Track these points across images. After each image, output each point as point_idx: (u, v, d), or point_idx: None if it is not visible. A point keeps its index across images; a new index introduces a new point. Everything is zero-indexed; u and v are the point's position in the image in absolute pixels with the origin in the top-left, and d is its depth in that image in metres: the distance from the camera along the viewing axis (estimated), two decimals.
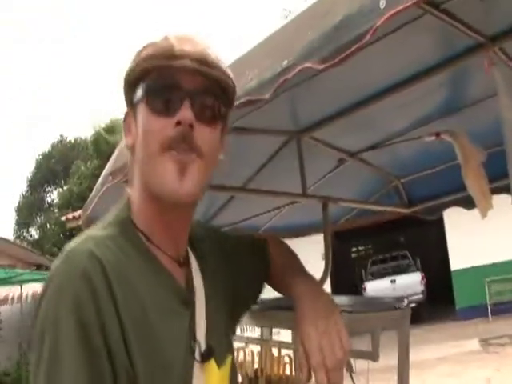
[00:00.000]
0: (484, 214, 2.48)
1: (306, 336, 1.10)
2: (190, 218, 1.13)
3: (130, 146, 1.07)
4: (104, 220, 1.07)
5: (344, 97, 1.97)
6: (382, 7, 0.91)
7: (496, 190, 2.56)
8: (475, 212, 2.60)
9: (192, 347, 1.02)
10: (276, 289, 1.34)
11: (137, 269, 0.99)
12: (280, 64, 1.09)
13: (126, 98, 1.08)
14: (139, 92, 1.04)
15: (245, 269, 1.30)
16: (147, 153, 1.01)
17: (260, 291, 1.37)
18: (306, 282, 1.24)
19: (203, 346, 1.05)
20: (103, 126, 28.50)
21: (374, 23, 0.93)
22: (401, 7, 0.90)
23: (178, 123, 0.98)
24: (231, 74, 1.06)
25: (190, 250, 1.16)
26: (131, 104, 1.07)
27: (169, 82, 1.00)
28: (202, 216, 2.67)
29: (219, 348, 1.10)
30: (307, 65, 1.03)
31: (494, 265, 14.03)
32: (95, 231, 1.02)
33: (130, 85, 1.06)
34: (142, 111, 1.03)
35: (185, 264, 1.11)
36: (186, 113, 0.98)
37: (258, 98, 1.12)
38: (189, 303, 1.06)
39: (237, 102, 1.17)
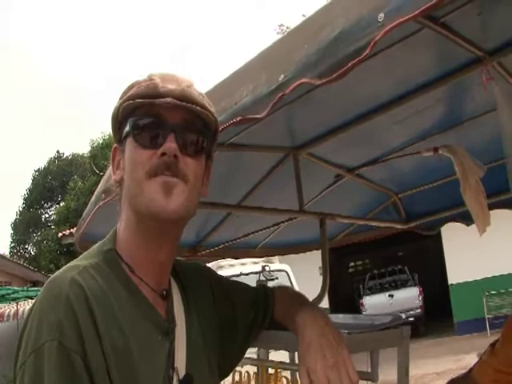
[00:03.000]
0: (482, 230, 2.46)
1: (312, 367, 1.08)
2: (175, 247, 1.15)
3: (118, 180, 1.11)
4: (90, 250, 1.10)
5: (341, 112, 1.95)
6: (380, 20, 0.88)
7: (494, 206, 2.54)
8: (472, 227, 2.57)
9: (170, 375, 1.04)
10: (280, 327, 1.31)
11: (119, 299, 1.00)
12: (276, 79, 1.06)
13: (113, 134, 1.13)
14: (126, 128, 1.08)
15: (236, 306, 1.29)
16: (134, 179, 1.05)
17: (251, 331, 1.34)
18: (312, 310, 1.23)
19: (182, 374, 1.06)
20: (101, 141, 28.59)
21: (372, 37, 0.90)
22: (400, 20, 0.87)
23: (163, 154, 1.04)
24: (214, 110, 1.12)
25: (173, 281, 1.18)
26: (119, 140, 1.11)
27: (154, 117, 1.06)
28: (197, 234, 2.63)
29: (201, 377, 1.11)
30: (304, 80, 1.00)
31: (492, 279, 14.00)
32: (80, 261, 1.04)
33: (117, 122, 1.10)
34: (129, 145, 1.08)
35: (167, 295, 1.12)
36: (170, 144, 1.03)
37: (253, 116, 1.09)
38: (168, 333, 1.08)
39: (231, 120, 1.15)
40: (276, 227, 2.79)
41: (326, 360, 1.07)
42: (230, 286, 1.34)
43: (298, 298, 1.33)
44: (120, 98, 1.09)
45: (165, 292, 1.11)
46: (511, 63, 1.71)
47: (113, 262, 1.05)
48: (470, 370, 1.89)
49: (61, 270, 1.00)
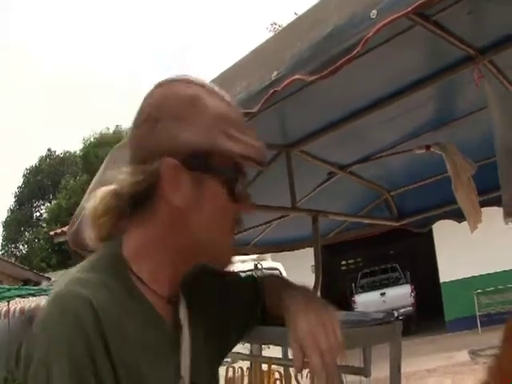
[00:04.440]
0: (473, 228, 2.47)
1: (298, 326, 1.08)
2: None
3: (178, 204, 0.99)
4: (92, 261, 1.04)
5: (333, 110, 1.96)
6: (373, 17, 0.89)
7: (486, 203, 2.56)
8: (464, 224, 2.59)
9: None
10: (273, 317, 1.31)
11: (126, 310, 0.97)
12: (269, 76, 1.07)
13: (190, 159, 0.99)
14: (221, 175, 1.00)
15: (230, 305, 1.28)
16: (214, 229, 1.03)
17: (245, 328, 1.34)
18: (300, 288, 1.24)
19: (187, 382, 1.04)
20: (93, 140, 28.51)
21: (365, 34, 0.91)
22: (392, 17, 0.88)
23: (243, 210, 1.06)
24: None
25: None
26: (194, 167, 0.99)
27: (244, 177, 1.06)
28: None
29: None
30: (297, 77, 1.01)
31: (483, 277, 14.06)
32: (83, 273, 0.99)
33: (207, 152, 0.99)
34: (215, 188, 1.01)
35: (175, 302, 1.10)
36: (250, 201, 1.08)
37: (247, 111, 1.10)
38: (176, 343, 1.06)
39: None
40: (268, 224, 2.80)
41: (310, 320, 1.08)
42: (226, 282, 1.33)
43: (284, 282, 1.34)
44: (238, 140, 1.00)
45: (174, 299, 1.09)
46: (503, 62, 1.72)
47: (119, 272, 1.01)
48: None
49: (65, 284, 0.95)
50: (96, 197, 1.05)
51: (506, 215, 1.95)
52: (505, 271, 13.68)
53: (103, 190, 1.05)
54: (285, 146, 2.15)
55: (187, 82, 1.02)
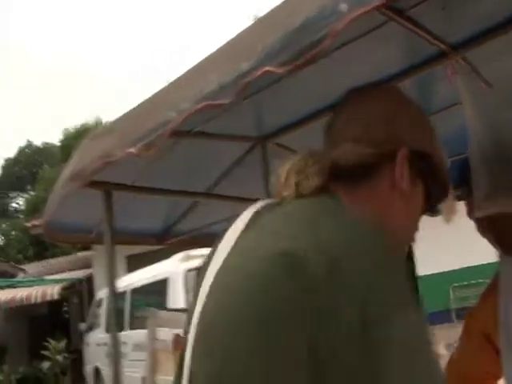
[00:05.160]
0: (448, 220, 2.49)
1: None
2: None
3: (405, 188, 1.05)
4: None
5: (310, 103, 1.96)
6: (342, 10, 0.89)
7: (460, 197, 2.58)
8: (439, 218, 2.60)
9: None
10: None
11: None
12: (240, 68, 1.06)
13: (416, 157, 1.07)
14: (429, 179, 1.11)
15: None
16: (411, 228, 1.12)
17: None
18: None
19: None
20: (73, 131, 28.18)
21: (334, 27, 0.91)
22: (362, 11, 0.88)
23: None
24: None
25: None
26: (413, 164, 1.06)
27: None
28: (163, 222, 2.63)
29: None
30: (267, 68, 1.01)
31: (459, 270, 14.22)
32: None
33: (430, 162, 1.10)
34: (421, 190, 1.10)
35: None
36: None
37: (217, 102, 1.10)
38: None
39: (197, 107, 1.15)
40: None
41: None
42: None
43: None
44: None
45: None
46: (476, 58, 1.73)
47: None
48: None
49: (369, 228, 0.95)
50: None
51: (477, 210, 1.97)
52: (482, 265, 13.83)
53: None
54: (260, 138, 2.15)
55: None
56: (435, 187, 1.11)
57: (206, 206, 2.52)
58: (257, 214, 1.00)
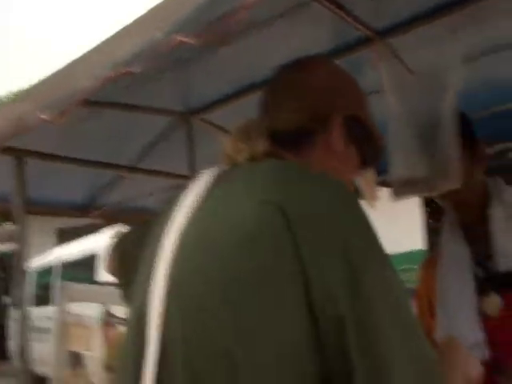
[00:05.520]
0: (372, 205, 2.54)
1: None
2: None
3: (339, 150, 1.10)
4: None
5: (237, 80, 1.95)
6: None
7: (382, 184, 2.63)
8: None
9: None
10: None
11: None
12: (153, 37, 1.04)
13: (350, 120, 1.12)
14: (363, 144, 1.14)
15: None
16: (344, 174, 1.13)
17: None
18: None
19: None
20: (10, 95, 27.08)
21: (246, 1, 0.89)
22: None
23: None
24: None
25: None
26: (347, 127, 1.11)
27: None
28: (86, 194, 2.57)
29: None
30: (180, 39, 0.99)
31: (396, 255, 14.61)
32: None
33: (362, 126, 1.15)
34: (354, 152, 1.14)
35: None
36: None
37: (130, 70, 1.07)
38: None
39: (107, 74, 1.12)
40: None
41: None
42: None
43: None
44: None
45: None
46: (400, 44, 1.76)
47: None
48: None
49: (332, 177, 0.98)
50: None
51: (395, 195, 2.02)
52: (411, 252, 14.24)
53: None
54: (185, 114, 2.12)
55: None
56: (369, 149, 1.16)
57: (131, 179, 2.48)
58: (217, 177, 1.01)
